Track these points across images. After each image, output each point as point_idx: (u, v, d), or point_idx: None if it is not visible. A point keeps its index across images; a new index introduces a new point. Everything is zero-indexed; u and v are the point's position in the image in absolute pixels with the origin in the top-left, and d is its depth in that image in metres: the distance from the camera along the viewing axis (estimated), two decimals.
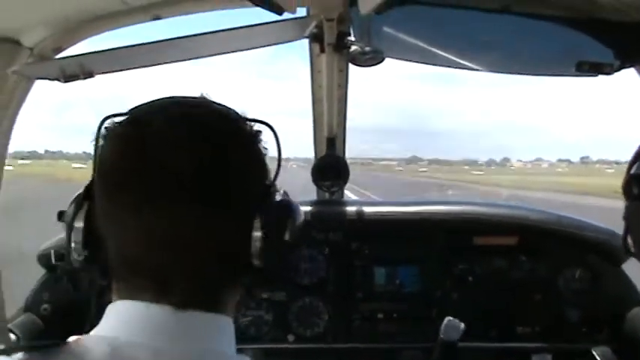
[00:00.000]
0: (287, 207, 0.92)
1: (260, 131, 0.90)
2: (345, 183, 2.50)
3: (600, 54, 1.62)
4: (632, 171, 1.07)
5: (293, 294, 2.43)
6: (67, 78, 1.69)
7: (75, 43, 1.72)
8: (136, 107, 0.87)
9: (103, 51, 1.62)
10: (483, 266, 2.41)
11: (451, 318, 1.99)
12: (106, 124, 0.85)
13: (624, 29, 1.51)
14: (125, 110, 0.87)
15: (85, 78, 1.69)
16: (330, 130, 2.44)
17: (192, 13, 1.67)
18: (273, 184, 0.90)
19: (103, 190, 0.82)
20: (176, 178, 0.78)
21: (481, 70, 1.81)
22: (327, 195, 2.60)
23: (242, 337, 2.37)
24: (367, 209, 2.49)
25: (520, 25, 1.64)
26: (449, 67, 1.85)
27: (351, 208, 2.49)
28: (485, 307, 2.40)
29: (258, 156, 0.89)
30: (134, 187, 0.79)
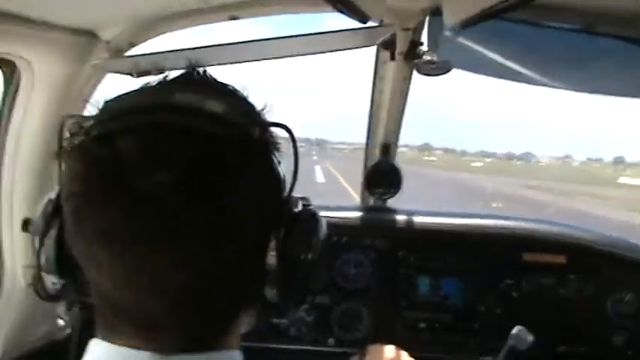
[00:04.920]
0: (306, 222, 0.78)
1: (270, 137, 0.73)
2: (397, 191, 2.48)
3: None
4: None
5: (336, 298, 2.42)
6: (140, 74, 1.70)
7: (150, 39, 1.72)
8: (105, 107, 0.71)
9: (177, 50, 1.61)
10: (530, 283, 2.37)
11: (521, 327, 1.98)
12: (68, 127, 0.69)
13: None
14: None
15: (156, 74, 1.69)
16: (386, 136, 2.43)
17: (270, 15, 1.66)
18: (290, 197, 0.75)
19: (72, 213, 0.67)
20: (158, 211, 0.63)
21: (557, 88, 1.78)
22: (371, 201, 2.59)
23: (281, 337, 2.39)
24: (416, 219, 2.46)
25: (603, 45, 1.61)
26: (523, 82, 1.82)
27: (399, 217, 2.47)
28: (529, 324, 2.37)
29: (269, 168, 0.73)
30: (107, 220, 0.64)
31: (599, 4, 1.54)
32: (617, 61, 1.66)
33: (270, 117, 0.77)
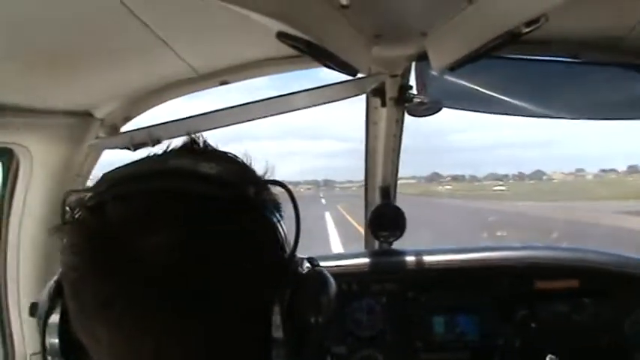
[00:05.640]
0: (314, 282, 0.73)
1: (268, 195, 0.70)
2: (402, 233, 2.47)
3: None
4: None
5: (352, 346, 2.37)
6: (136, 146, 1.71)
7: (143, 112, 1.75)
8: (101, 179, 0.68)
9: (172, 121, 1.64)
10: (545, 311, 2.34)
11: (553, 356, 1.94)
12: (69, 202, 0.67)
13: None
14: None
15: (153, 145, 1.71)
16: (384, 179, 2.44)
17: (260, 76, 1.69)
18: (293, 255, 0.71)
19: (70, 288, 0.65)
20: (152, 281, 0.60)
21: (548, 117, 1.79)
22: (376, 244, 2.58)
23: None
24: (423, 258, 2.44)
25: (589, 72, 1.64)
26: (515, 115, 1.84)
27: (406, 258, 2.44)
28: (549, 353, 2.33)
29: (268, 226, 0.69)
30: (104, 290, 0.61)
31: (583, 34, 1.56)
32: (601, 86, 1.68)
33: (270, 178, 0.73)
